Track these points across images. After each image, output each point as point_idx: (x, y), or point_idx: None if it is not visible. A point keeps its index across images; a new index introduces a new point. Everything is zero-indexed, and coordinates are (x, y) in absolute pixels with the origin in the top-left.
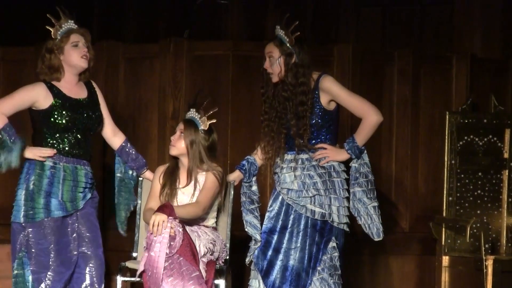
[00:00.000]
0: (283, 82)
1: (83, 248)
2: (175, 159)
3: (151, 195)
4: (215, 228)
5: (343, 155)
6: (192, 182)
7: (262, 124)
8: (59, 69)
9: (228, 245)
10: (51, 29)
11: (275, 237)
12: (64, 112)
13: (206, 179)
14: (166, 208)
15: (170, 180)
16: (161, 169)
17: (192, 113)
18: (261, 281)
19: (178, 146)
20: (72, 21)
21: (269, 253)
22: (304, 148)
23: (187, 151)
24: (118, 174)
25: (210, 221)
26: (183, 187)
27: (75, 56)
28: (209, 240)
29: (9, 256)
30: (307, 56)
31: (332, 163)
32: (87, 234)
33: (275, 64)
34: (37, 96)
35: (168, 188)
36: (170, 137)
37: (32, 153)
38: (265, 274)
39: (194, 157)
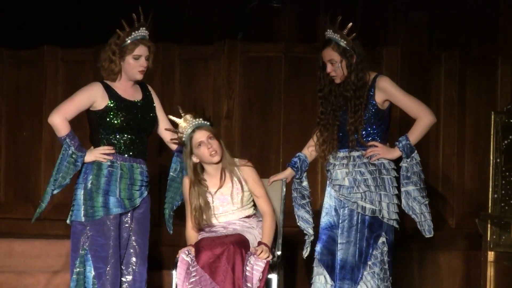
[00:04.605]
0: (345, 82)
1: (131, 261)
2: (195, 170)
3: (189, 210)
4: (255, 215)
5: (394, 153)
6: (229, 179)
7: (318, 124)
8: (118, 74)
9: (280, 240)
10: (121, 33)
11: (333, 232)
12: (119, 113)
13: (246, 177)
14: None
15: (199, 202)
16: (187, 181)
17: (198, 121)
18: (327, 276)
19: (218, 149)
20: (144, 28)
21: (331, 248)
22: (357, 144)
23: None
24: (171, 173)
25: (250, 211)
26: (219, 189)
27: (132, 69)
28: (259, 232)
29: (68, 251)
30: (363, 51)
31: (382, 161)
32: (137, 248)
33: (338, 69)
34: (95, 96)
35: (200, 210)
36: (207, 149)
37: (93, 155)
38: (331, 269)
39: (226, 154)
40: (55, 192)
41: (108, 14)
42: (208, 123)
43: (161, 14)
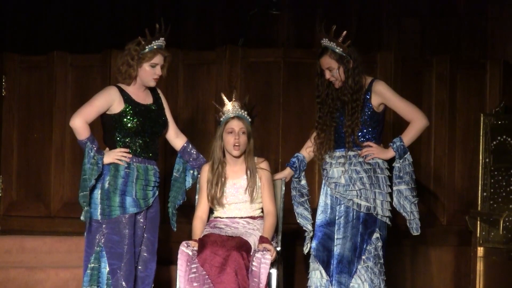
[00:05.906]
0: (342, 87)
1: (144, 257)
2: (223, 152)
3: (201, 197)
4: (261, 217)
5: (388, 153)
6: (246, 176)
7: (316, 128)
8: (134, 78)
9: (280, 237)
10: (142, 41)
11: (328, 229)
12: (134, 117)
13: (260, 175)
14: (269, 241)
15: (217, 179)
16: (206, 168)
17: (242, 112)
18: (322, 271)
19: (243, 145)
20: (163, 39)
21: (327, 244)
22: (353, 144)
23: (245, 146)
24: (175, 174)
25: (257, 212)
26: (233, 179)
27: (148, 76)
28: (261, 233)
29: (77, 247)
30: (359, 56)
31: (377, 160)
32: (149, 245)
33: (336, 75)
34: (112, 100)
35: (216, 185)
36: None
37: (111, 157)
38: (327, 265)
39: (250, 151)
40: (84, 193)
41: (114, 21)
42: (249, 119)
43: (166, 21)
